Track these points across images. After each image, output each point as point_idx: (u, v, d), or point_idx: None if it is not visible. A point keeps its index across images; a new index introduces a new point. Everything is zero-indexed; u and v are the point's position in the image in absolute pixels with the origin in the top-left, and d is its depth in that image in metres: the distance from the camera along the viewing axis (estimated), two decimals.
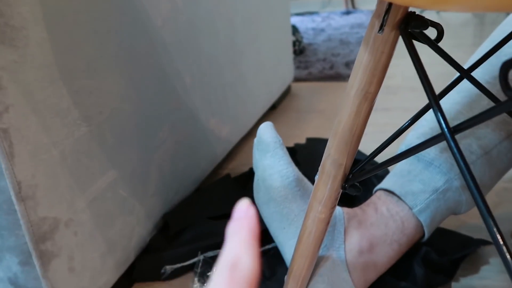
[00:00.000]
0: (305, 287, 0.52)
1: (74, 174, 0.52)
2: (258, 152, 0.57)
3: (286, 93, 1.44)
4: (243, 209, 0.18)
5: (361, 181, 0.68)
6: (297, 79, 1.56)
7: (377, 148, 0.41)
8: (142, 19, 0.63)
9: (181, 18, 0.74)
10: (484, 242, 0.60)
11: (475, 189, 0.28)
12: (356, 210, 0.56)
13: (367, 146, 0.90)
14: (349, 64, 1.59)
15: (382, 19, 0.33)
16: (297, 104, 1.36)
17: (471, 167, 0.53)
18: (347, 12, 2.79)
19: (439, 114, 0.30)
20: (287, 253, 0.55)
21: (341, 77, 1.51)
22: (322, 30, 2.35)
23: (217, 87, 0.89)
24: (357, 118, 0.38)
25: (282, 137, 1.11)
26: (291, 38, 1.40)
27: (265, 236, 0.63)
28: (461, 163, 0.29)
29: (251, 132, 1.15)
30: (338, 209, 0.55)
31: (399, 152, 0.60)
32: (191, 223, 0.70)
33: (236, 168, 0.97)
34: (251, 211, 0.18)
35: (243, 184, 0.83)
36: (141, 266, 0.65)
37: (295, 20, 2.70)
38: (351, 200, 0.72)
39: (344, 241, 0.53)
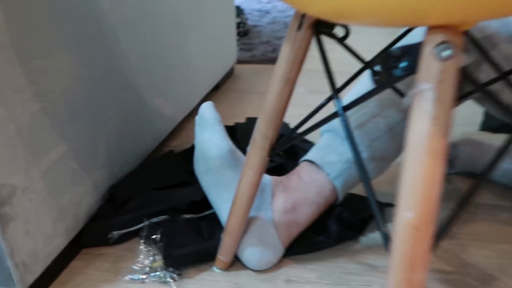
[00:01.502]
0: (239, 242, 0.63)
1: (30, 146, 0.60)
2: (198, 127, 0.66)
3: (229, 75, 1.54)
4: None
5: (290, 153, 0.80)
6: (240, 61, 1.66)
7: (297, 125, 0.53)
8: (91, 2, 0.70)
9: (128, 1, 0.81)
10: (388, 205, 0.74)
11: (359, 161, 0.40)
12: (283, 177, 0.68)
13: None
14: None
15: (300, 21, 0.44)
16: (239, 85, 1.46)
17: (379, 141, 0.67)
18: None
19: (336, 99, 0.41)
20: (224, 215, 0.66)
21: None
22: (268, 12, 2.44)
23: (162, 67, 0.97)
24: (280, 98, 0.49)
25: (224, 116, 1.21)
26: (235, 20, 1.49)
27: (204, 204, 0.73)
28: (349, 136, 0.40)
29: (194, 111, 1.23)
30: (267, 177, 0.66)
31: (322, 130, 0.72)
32: (137, 193, 0.79)
33: (179, 145, 1.06)
34: None
35: (185, 159, 0.93)
36: (89, 232, 0.73)
37: (240, 1, 2.77)
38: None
39: (272, 203, 0.65)
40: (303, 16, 0.44)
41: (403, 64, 0.31)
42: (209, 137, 0.64)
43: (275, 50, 1.70)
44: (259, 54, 1.68)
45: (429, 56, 0.30)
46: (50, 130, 0.63)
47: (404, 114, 0.68)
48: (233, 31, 1.47)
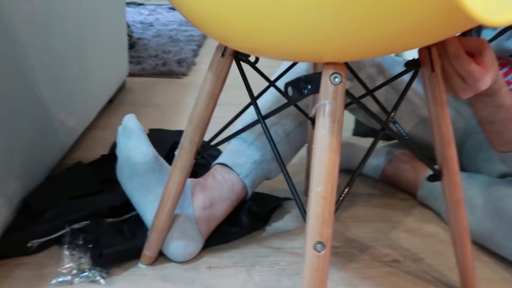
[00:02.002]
0: (164, 237, 0.74)
1: None
2: (123, 137, 0.76)
3: (121, 88, 1.60)
4: None
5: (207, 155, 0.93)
6: (130, 74, 1.73)
7: (217, 132, 0.66)
8: (3, 19, 0.75)
9: (38, 19, 0.86)
10: (286, 199, 0.92)
11: (280, 160, 0.55)
12: (199, 179, 0.81)
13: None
14: (181, 62, 1.83)
15: (223, 50, 0.58)
16: (133, 98, 1.54)
17: (278, 145, 0.83)
18: (174, 8, 3.03)
19: (256, 109, 0.56)
20: (148, 215, 0.76)
21: (174, 74, 1.74)
22: (151, 24, 2.53)
23: (66, 81, 1.03)
24: (206, 110, 0.63)
25: None
26: (126, 34, 1.57)
27: (124, 208, 0.82)
28: (270, 141, 0.55)
29: (92, 125, 1.29)
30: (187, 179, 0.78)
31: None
32: (53, 203, 0.84)
33: (81, 157, 1.11)
34: None
35: (95, 169, 0.99)
36: (6, 243, 0.76)
37: None
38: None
39: (192, 201, 0.77)
40: (226, 46, 0.58)
41: (310, 86, 0.47)
42: (135, 145, 0.74)
43: (165, 63, 1.81)
44: (150, 68, 1.77)
45: (326, 81, 0.46)
46: None
47: (298, 122, 0.86)
48: (124, 44, 1.54)
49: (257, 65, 0.62)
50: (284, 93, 0.69)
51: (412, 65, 0.59)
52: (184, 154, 0.66)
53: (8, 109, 0.77)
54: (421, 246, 0.83)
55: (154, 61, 1.84)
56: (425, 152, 1.04)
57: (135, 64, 1.81)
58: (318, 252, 0.47)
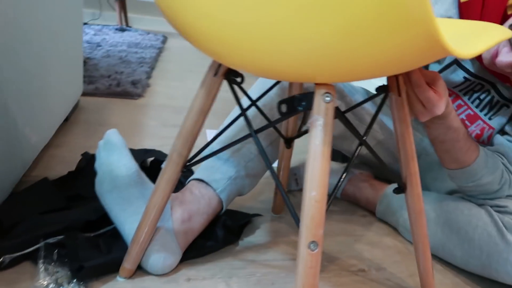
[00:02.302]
0: (145, 248, 0.77)
1: None
2: (104, 151, 0.79)
3: (75, 107, 1.61)
4: None
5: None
6: (83, 93, 1.74)
7: (203, 147, 0.72)
8: None
9: (8, 31, 0.88)
10: (256, 215, 0.98)
11: (271, 169, 0.62)
12: (177, 194, 0.85)
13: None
14: (135, 83, 1.87)
15: (217, 69, 0.65)
16: (88, 117, 1.55)
17: (251, 162, 0.90)
18: (122, 29, 3.05)
19: (248, 124, 0.63)
20: (127, 229, 0.79)
21: (129, 95, 1.77)
22: (99, 44, 2.54)
23: (30, 96, 1.04)
24: (196, 125, 0.68)
25: (79, 148, 1.29)
26: (82, 52, 1.58)
27: (102, 221, 0.84)
28: (263, 154, 0.62)
29: (49, 143, 1.28)
30: None
31: (206, 153, 0.92)
32: (23, 218, 0.85)
33: (41, 175, 1.10)
34: None
35: (61, 186, 1.01)
36: None
37: None
38: None
39: (171, 215, 0.81)
40: (220, 65, 0.65)
41: (304, 103, 0.55)
42: (118, 158, 0.78)
43: (120, 84, 1.83)
44: (104, 88, 1.78)
45: (319, 100, 0.54)
46: None
47: (269, 141, 0.93)
48: (80, 62, 1.56)
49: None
50: (263, 112, 0.77)
51: (382, 90, 0.69)
52: (172, 166, 0.71)
53: None
54: (383, 257, 0.92)
55: (107, 81, 1.85)
56: (378, 171, 1.15)
57: (87, 83, 1.82)
58: (312, 251, 0.54)
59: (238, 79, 0.69)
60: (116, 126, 1.48)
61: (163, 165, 0.72)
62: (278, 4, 0.45)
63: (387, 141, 1.07)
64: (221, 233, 0.87)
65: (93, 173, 1.05)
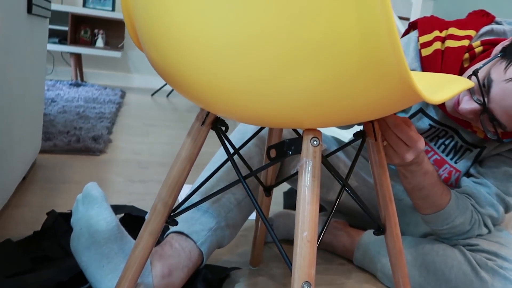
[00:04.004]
0: None
1: None
2: (83, 205, 0.81)
3: (33, 164, 1.60)
4: None
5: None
6: (40, 151, 1.73)
7: (188, 195, 0.76)
8: None
9: None
10: (234, 268, 1.01)
11: (263, 217, 0.66)
12: (156, 248, 0.87)
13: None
14: (96, 139, 1.89)
15: (204, 118, 0.70)
16: (47, 175, 1.55)
17: (230, 212, 0.94)
18: (77, 84, 3.08)
19: (236, 168, 0.68)
20: (104, 287, 0.80)
21: (91, 151, 1.78)
22: (53, 100, 2.55)
23: None
24: (183, 173, 0.73)
25: (40, 207, 1.28)
26: (43, 108, 1.60)
27: (75, 282, 0.85)
28: (252, 197, 0.67)
29: (7, 203, 1.28)
30: None
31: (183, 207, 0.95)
32: None
33: (1, 235, 1.09)
34: None
35: (26, 247, 1.00)
36: None
37: None
38: None
39: (151, 270, 0.83)
40: (207, 115, 0.71)
41: (293, 147, 0.61)
42: (98, 212, 0.80)
43: (80, 140, 1.85)
44: (63, 144, 1.79)
45: (307, 144, 0.60)
46: None
47: (247, 192, 0.98)
48: (40, 119, 1.57)
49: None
50: (245, 161, 0.82)
51: (359, 135, 0.77)
52: (157, 217, 0.74)
53: None
54: None
55: (66, 137, 1.86)
56: (353, 220, 1.22)
57: (44, 140, 1.82)
58: None
59: (223, 128, 0.75)
60: (79, 183, 1.49)
61: (146, 216, 0.75)
62: (268, 58, 0.51)
63: (361, 188, 1.14)
64: (202, 287, 0.89)
65: (60, 233, 1.06)
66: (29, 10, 1.24)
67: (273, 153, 0.64)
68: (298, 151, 0.61)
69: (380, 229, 0.79)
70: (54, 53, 3.48)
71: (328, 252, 1.18)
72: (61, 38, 3.25)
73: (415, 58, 1.00)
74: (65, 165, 1.65)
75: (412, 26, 1.05)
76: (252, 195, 0.68)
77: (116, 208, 1.18)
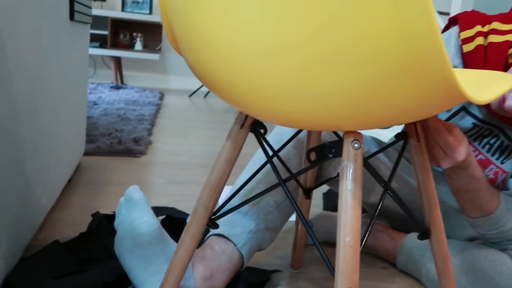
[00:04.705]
0: None
1: None
2: (126, 209, 0.83)
3: (77, 166, 1.65)
4: None
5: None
6: (84, 153, 1.79)
7: (228, 198, 0.77)
8: (5, 91, 0.83)
9: (31, 92, 0.95)
10: (275, 271, 1.01)
11: (301, 216, 0.66)
12: (198, 250, 0.88)
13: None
14: (137, 141, 1.93)
15: (243, 121, 0.70)
16: (91, 177, 1.59)
17: (270, 215, 0.94)
18: (117, 87, 3.15)
19: (276, 171, 0.68)
20: None
21: (132, 153, 1.82)
22: (95, 103, 2.62)
23: (43, 156, 1.09)
24: (223, 176, 0.73)
25: (85, 209, 1.32)
26: (86, 111, 1.65)
27: (120, 283, 0.87)
28: (292, 200, 0.67)
29: (54, 205, 1.32)
30: None
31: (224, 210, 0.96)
32: (38, 282, 0.87)
33: (49, 237, 1.13)
34: None
35: (72, 248, 1.03)
36: None
37: None
38: None
39: (193, 272, 0.84)
40: (246, 117, 0.71)
41: (333, 150, 0.61)
42: (140, 215, 0.81)
43: (122, 142, 1.89)
44: (105, 146, 1.84)
45: (348, 147, 0.59)
46: None
47: (287, 195, 0.98)
48: (84, 122, 1.62)
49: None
50: (284, 163, 0.82)
51: (401, 137, 0.75)
52: (198, 220, 0.75)
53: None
54: None
55: (108, 139, 1.91)
56: (395, 222, 1.19)
57: (88, 142, 1.88)
58: None
59: (262, 131, 0.75)
60: (121, 185, 1.52)
61: (188, 219, 0.76)
62: (304, 61, 0.51)
63: (401, 189, 1.11)
64: None
65: (105, 234, 1.09)
66: (72, 17, 1.28)
67: (313, 156, 0.64)
68: (339, 154, 0.60)
69: (424, 233, 0.77)
70: (95, 57, 3.58)
71: (370, 255, 1.16)
72: (101, 42, 3.34)
73: (456, 54, 0.97)
74: (108, 167, 1.69)
75: (453, 22, 1.02)
76: (292, 197, 0.68)
77: (157, 210, 1.20)
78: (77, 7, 1.32)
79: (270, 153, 1.02)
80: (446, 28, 1.05)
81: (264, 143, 0.76)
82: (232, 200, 0.95)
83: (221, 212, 0.77)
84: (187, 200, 1.43)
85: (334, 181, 1.09)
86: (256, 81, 0.55)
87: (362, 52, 0.48)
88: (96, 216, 1.13)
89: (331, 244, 1.18)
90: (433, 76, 0.50)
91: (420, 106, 0.55)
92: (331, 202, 1.42)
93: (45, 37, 1.05)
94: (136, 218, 0.82)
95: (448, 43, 0.99)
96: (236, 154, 0.73)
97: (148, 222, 0.82)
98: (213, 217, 0.76)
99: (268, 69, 0.53)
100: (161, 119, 2.53)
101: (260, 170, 0.79)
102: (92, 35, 3.35)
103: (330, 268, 0.61)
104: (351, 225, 0.58)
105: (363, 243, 0.64)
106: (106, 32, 3.27)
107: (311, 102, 0.55)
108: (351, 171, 0.59)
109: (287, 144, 0.84)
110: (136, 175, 1.63)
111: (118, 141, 1.90)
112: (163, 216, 1.18)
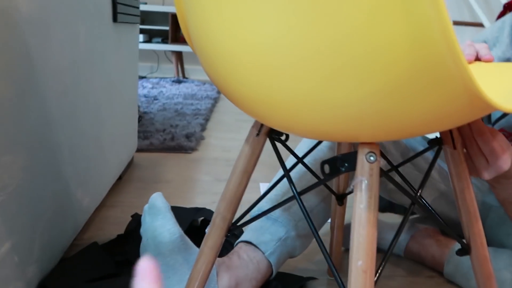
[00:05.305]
0: None
1: None
2: (149, 216, 0.82)
3: (129, 164, 1.68)
4: (145, 266, 0.21)
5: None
6: (138, 149, 1.82)
7: (248, 209, 0.73)
8: (40, 98, 0.84)
9: (68, 98, 0.96)
10: (310, 278, 0.96)
11: (315, 231, 0.61)
12: (224, 258, 0.85)
13: None
14: (189, 136, 1.93)
15: (259, 129, 0.66)
16: (141, 175, 1.61)
17: (302, 221, 0.89)
18: (178, 81, 3.20)
19: (292, 185, 0.63)
20: None
21: (183, 149, 1.83)
22: (155, 98, 2.67)
23: (83, 158, 1.10)
24: (240, 187, 0.69)
25: (133, 208, 1.34)
26: (137, 108, 1.67)
27: None
28: (306, 214, 0.62)
29: (102, 203, 1.35)
30: None
31: (253, 215, 0.92)
32: (72, 286, 0.88)
33: (93, 237, 1.15)
34: (153, 266, 0.21)
35: (110, 250, 1.04)
36: None
37: None
38: None
39: (218, 282, 0.81)
40: (261, 125, 0.66)
41: (347, 164, 0.55)
42: (161, 224, 0.80)
43: (174, 138, 1.91)
44: (158, 143, 1.86)
45: (362, 160, 0.53)
46: (2, 224, 0.73)
47: (321, 198, 0.92)
48: (135, 119, 1.64)
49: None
50: (311, 170, 0.77)
51: (434, 143, 0.67)
52: (216, 231, 0.72)
53: (34, 187, 0.83)
54: None
55: (162, 135, 1.93)
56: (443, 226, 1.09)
57: (143, 139, 1.91)
58: None
59: (282, 137, 0.70)
60: (169, 183, 1.53)
61: (207, 230, 0.73)
62: (317, 73, 0.46)
63: (451, 194, 1.02)
64: None
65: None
66: (115, 19, 1.28)
67: (327, 169, 0.58)
68: (352, 168, 0.54)
69: (463, 250, 0.68)
70: (158, 52, 3.65)
71: (416, 263, 1.07)
72: (163, 37, 3.40)
73: (510, 45, 0.86)
74: (159, 164, 1.71)
75: (508, 7, 0.90)
76: (305, 209, 0.63)
77: (196, 211, 1.18)
78: (120, 8, 1.33)
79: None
80: (501, 15, 0.93)
81: (288, 150, 0.71)
82: (263, 205, 0.91)
83: (242, 221, 0.73)
84: None
85: None
86: (269, 92, 0.51)
87: (374, 61, 0.44)
88: (135, 217, 1.13)
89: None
90: (452, 84, 0.43)
91: (442, 116, 0.48)
92: (381, 203, 1.33)
93: (84, 42, 1.05)
94: (158, 226, 0.80)
95: (501, 32, 0.88)
96: (253, 163, 0.69)
97: (170, 231, 0.80)
98: (232, 227, 0.72)
99: (280, 82, 0.49)
100: (217, 113, 2.52)
101: (282, 179, 0.74)
102: (154, 31, 3.42)
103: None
104: (365, 248, 0.52)
105: (378, 272, 0.58)
106: (167, 28, 3.32)
107: (325, 113, 0.50)
108: (365, 187, 0.53)
109: (315, 147, 0.79)
110: (185, 173, 1.63)
111: (171, 137, 1.91)
112: (202, 218, 1.16)
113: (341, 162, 0.55)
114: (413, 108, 0.46)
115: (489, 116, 1.00)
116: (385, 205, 1.33)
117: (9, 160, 0.72)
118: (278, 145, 1.85)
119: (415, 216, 1.21)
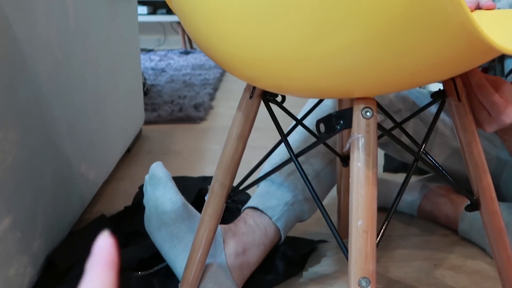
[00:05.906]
0: (198, 287, 0.77)
1: None
2: (150, 186, 0.80)
3: (138, 137, 1.67)
4: (102, 243, 0.20)
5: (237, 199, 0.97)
6: (146, 122, 1.81)
7: (246, 175, 0.71)
8: (30, 73, 0.82)
9: (60, 72, 0.94)
10: (321, 242, 0.94)
11: (317, 198, 0.59)
12: (230, 225, 0.84)
13: None
14: (197, 107, 1.91)
15: (252, 91, 0.63)
16: (150, 147, 1.60)
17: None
18: (186, 52, 3.16)
19: (289, 148, 0.60)
20: (179, 266, 0.79)
21: (192, 119, 1.81)
22: (163, 70, 2.65)
23: (86, 133, 1.09)
24: (236, 153, 0.67)
25: (141, 180, 1.32)
26: (142, 81, 1.65)
27: (155, 259, 0.86)
28: (305, 179, 0.59)
29: (110, 176, 1.34)
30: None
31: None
32: (78, 259, 0.88)
33: (102, 210, 1.15)
34: (110, 243, 0.20)
35: (118, 222, 1.04)
36: None
37: None
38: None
39: (224, 248, 0.80)
40: (254, 88, 0.64)
41: (342, 122, 0.52)
42: (163, 193, 0.78)
43: (182, 109, 1.89)
44: (166, 114, 1.84)
45: (358, 116, 0.50)
46: (1, 200, 0.72)
47: (327, 161, 0.89)
48: (140, 92, 1.62)
49: (284, 105, 0.67)
50: (312, 131, 0.74)
51: (438, 96, 0.63)
52: (215, 198, 0.70)
53: (33, 162, 0.83)
54: (468, 284, 0.84)
55: (170, 107, 1.92)
56: (461, 184, 1.06)
57: (150, 111, 1.89)
58: None
59: (278, 99, 0.67)
60: (178, 154, 1.52)
61: (206, 197, 0.72)
62: (303, 20, 0.43)
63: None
64: (281, 265, 0.85)
65: None
66: None
67: (322, 128, 0.55)
68: (348, 125, 0.52)
69: (472, 205, 0.66)
70: (164, 24, 3.60)
71: (430, 221, 1.05)
72: (168, 8, 3.34)
73: None
74: (167, 135, 1.70)
75: None
76: (305, 173, 0.60)
77: (203, 180, 1.17)
78: None
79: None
80: None
81: (285, 112, 0.68)
82: (265, 168, 0.89)
83: (241, 187, 0.71)
84: (241, 165, 1.39)
85: (386, 144, 0.99)
86: (256, 49, 0.48)
87: (365, 4, 0.40)
88: (142, 188, 1.13)
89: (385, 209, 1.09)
90: (450, 28, 0.40)
91: (441, 63, 0.45)
92: (394, 163, 1.30)
93: (74, 14, 1.02)
94: (159, 196, 0.79)
95: None
96: (248, 128, 0.67)
97: (171, 200, 0.78)
98: (231, 194, 0.71)
99: (266, 34, 0.46)
100: (226, 82, 2.49)
101: (280, 144, 0.71)
102: (159, 2, 3.36)
103: (344, 251, 0.53)
104: (364, 207, 0.50)
105: (382, 230, 0.55)
106: None
107: (316, 66, 0.46)
108: (362, 144, 0.50)
109: (313, 109, 0.76)
110: (194, 143, 1.62)
111: (179, 108, 1.89)
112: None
113: (336, 120, 0.52)
114: (411, 55, 0.43)
115: (502, 68, 0.96)
116: (398, 166, 1.30)
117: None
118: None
119: (429, 175, 1.18)
